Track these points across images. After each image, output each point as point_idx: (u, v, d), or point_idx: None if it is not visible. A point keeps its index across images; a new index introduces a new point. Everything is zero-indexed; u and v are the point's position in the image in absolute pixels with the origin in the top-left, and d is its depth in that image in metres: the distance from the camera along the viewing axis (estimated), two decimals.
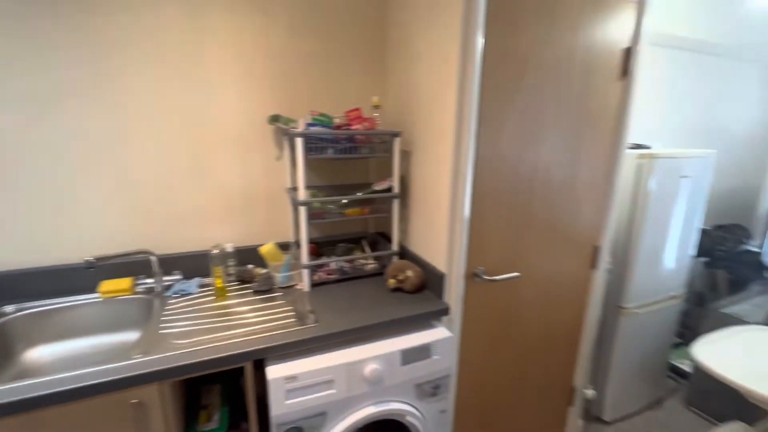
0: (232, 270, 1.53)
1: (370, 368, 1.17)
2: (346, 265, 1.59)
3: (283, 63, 1.55)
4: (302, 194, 1.38)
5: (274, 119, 1.51)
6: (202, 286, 1.48)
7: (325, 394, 1.13)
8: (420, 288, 1.46)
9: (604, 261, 1.72)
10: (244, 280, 1.52)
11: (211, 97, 1.48)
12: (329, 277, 1.53)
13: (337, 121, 1.48)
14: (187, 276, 1.53)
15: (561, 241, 1.59)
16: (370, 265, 1.62)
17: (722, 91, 2.76)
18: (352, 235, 1.82)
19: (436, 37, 1.31)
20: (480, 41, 1.20)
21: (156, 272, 1.41)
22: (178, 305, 1.33)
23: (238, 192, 1.60)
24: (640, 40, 1.50)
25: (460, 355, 1.49)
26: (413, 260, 1.55)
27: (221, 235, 1.60)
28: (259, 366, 1.14)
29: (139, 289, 1.42)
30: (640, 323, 1.96)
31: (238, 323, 1.21)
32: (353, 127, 1.46)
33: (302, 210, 1.39)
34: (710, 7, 2.12)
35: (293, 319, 1.24)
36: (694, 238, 2.03)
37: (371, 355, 1.18)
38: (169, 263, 1.51)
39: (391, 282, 1.45)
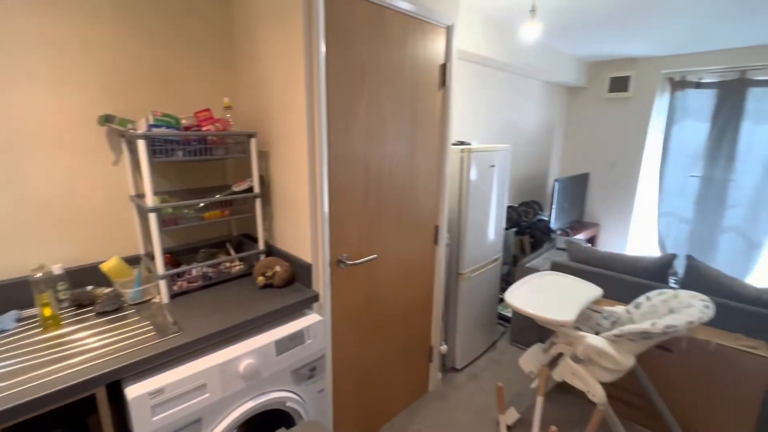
0: (64, 295, 1.31)
1: (244, 364, 1.19)
2: (210, 270, 1.54)
3: (112, 60, 1.39)
4: (150, 200, 1.29)
5: (106, 120, 1.35)
6: (21, 319, 1.23)
7: (198, 400, 1.11)
8: (289, 281, 1.54)
9: (444, 237, 2.11)
10: (82, 303, 1.33)
11: (16, 97, 1.23)
12: (192, 285, 1.47)
13: (185, 122, 1.42)
14: None
15: (408, 224, 1.88)
16: (237, 267, 1.61)
17: (515, 99, 3.61)
18: (215, 240, 1.76)
19: (281, 43, 1.39)
20: (323, 48, 1.33)
21: None
22: None
23: (64, 204, 1.37)
24: (452, 58, 1.89)
25: (333, 336, 1.63)
26: (281, 256, 1.61)
27: (45, 256, 1.35)
28: (118, 392, 1.04)
29: None
30: (474, 284, 2.45)
31: (78, 351, 1.07)
32: (204, 128, 1.43)
33: (152, 217, 1.30)
34: (498, 34, 2.77)
35: (152, 333, 1.16)
36: (504, 214, 2.64)
37: (245, 351, 1.21)
38: None
39: (260, 279, 1.48)
